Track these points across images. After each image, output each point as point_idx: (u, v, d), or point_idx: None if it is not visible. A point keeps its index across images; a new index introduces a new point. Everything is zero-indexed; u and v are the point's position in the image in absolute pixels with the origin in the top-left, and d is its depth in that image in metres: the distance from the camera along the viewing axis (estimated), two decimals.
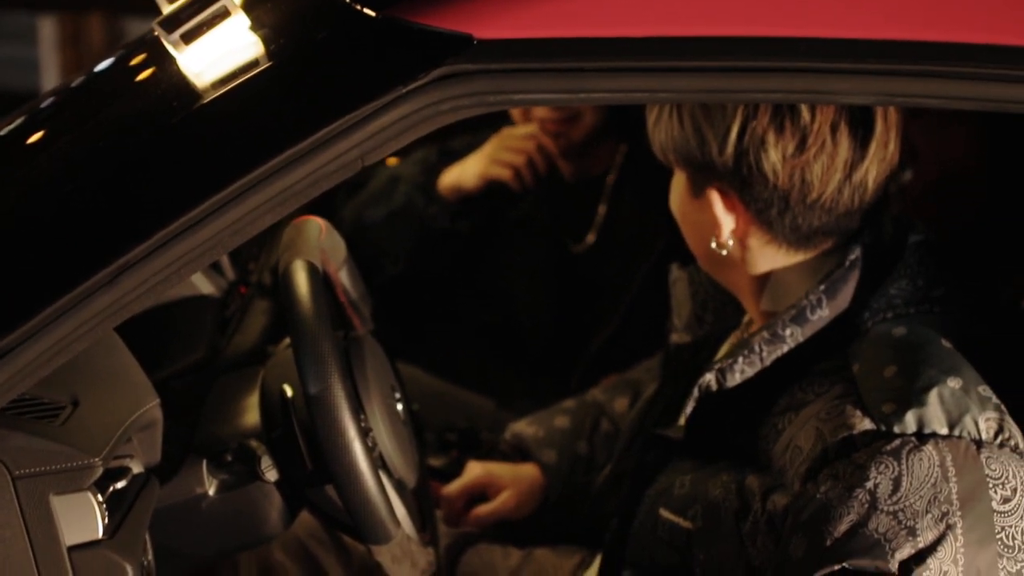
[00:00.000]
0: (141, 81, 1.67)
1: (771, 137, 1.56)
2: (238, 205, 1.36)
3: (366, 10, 1.43)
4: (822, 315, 1.61)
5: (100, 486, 1.42)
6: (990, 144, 2.15)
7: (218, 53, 1.48)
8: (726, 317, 1.89)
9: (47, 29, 5.66)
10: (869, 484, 1.44)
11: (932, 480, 1.44)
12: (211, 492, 1.63)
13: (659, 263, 2.28)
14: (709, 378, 1.64)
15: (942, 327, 1.58)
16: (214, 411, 1.73)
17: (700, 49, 1.36)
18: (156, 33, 1.53)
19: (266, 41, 1.47)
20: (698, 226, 1.68)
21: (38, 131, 1.70)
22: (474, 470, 2.20)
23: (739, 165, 1.58)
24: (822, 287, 1.61)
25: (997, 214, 2.12)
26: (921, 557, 1.42)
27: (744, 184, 1.60)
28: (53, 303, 1.34)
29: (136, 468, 1.52)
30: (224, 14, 1.47)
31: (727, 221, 1.63)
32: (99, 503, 1.41)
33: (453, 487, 2.19)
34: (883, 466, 1.45)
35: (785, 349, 1.61)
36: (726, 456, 1.65)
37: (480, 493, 2.19)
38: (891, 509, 1.43)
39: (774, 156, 1.57)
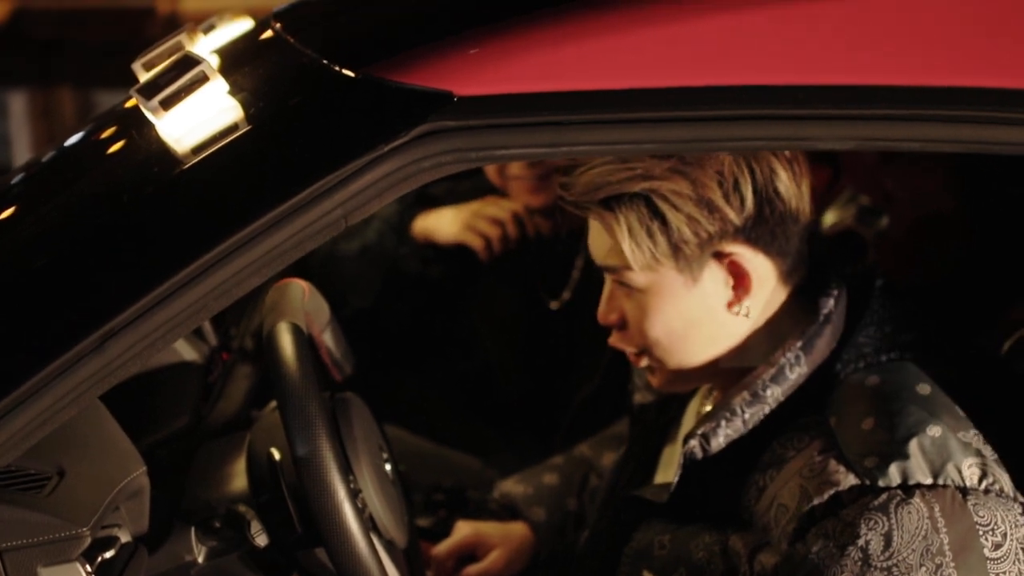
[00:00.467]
0: (120, 149, 1.67)
1: (776, 163, 1.57)
2: (223, 268, 1.35)
3: (345, 71, 1.44)
4: (800, 372, 1.60)
5: (88, 556, 1.41)
6: (968, 187, 2.17)
7: (198, 118, 1.48)
8: None
9: (17, 103, 5.67)
10: (860, 542, 1.44)
11: (923, 533, 1.44)
12: (200, 559, 1.61)
13: None
14: (694, 444, 1.62)
15: (915, 373, 1.58)
16: (201, 477, 1.72)
17: (680, 100, 1.37)
18: (135, 100, 1.54)
19: (246, 105, 1.47)
20: (708, 309, 1.61)
21: (15, 204, 1.70)
22: (463, 530, 2.18)
23: (761, 209, 1.56)
24: (799, 344, 1.60)
25: (980, 257, 2.13)
26: None
27: (765, 226, 1.58)
28: (39, 372, 1.33)
29: (124, 537, 1.51)
30: (203, 79, 1.47)
31: (748, 276, 1.60)
32: (88, 574, 1.39)
33: (442, 547, 2.17)
34: (872, 522, 1.45)
35: (767, 410, 1.60)
36: (705, 515, 1.64)
37: (470, 553, 2.18)
38: (885, 565, 1.43)
39: (785, 179, 1.57)
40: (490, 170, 2.58)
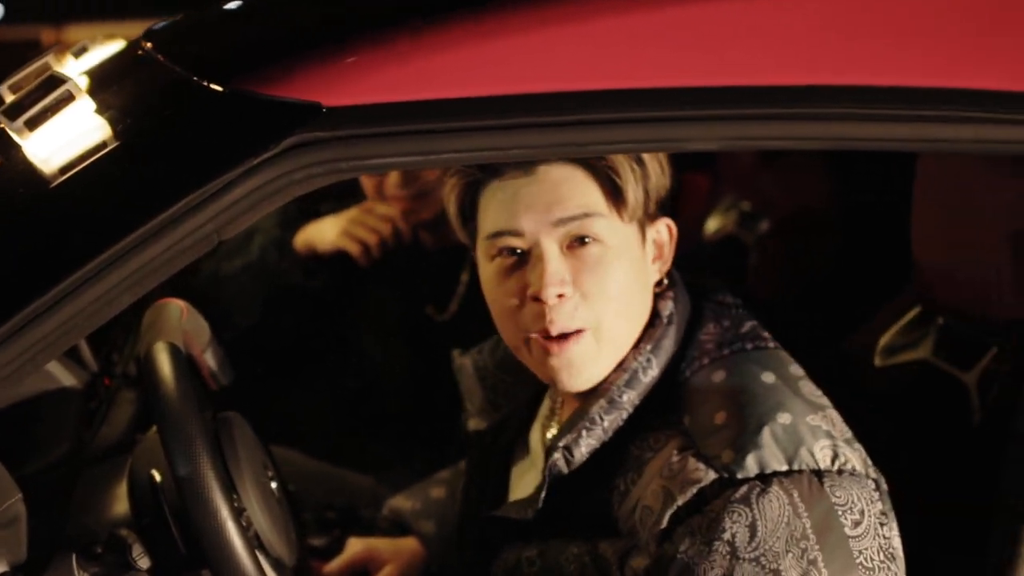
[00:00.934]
0: None
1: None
2: (94, 286, 1.34)
3: (213, 85, 1.44)
4: (652, 375, 1.61)
5: None
6: (839, 189, 2.22)
7: (65, 138, 1.47)
8: (517, 398, 1.89)
9: None
10: (726, 535, 1.46)
11: (785, 519, 1.46)
12: None
13: None
14: (557, 457, 1.61)
15: (758, 362, 1.60)
16: (82, 503, 1.69)
17: (546, 105, 1.38)
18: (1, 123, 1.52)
19: (113, 122, 1.46)
20: (645, 279, 1.62)
21: None
22: (354, 546, 2.17)
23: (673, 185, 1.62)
24: (648, 347, 1.61)
25: (849, 257, 2.18)
26: None
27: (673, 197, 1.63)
28: None
29: (1, 567, 1.47)
30: (68, 99, 1.46)
31: (670, 247, 1.64)
32: None
33: (334, 564, 2.15)
34: (736, 514, 1.47)
35: (624, 415, 1.61)
36: (572, 527, 1.64)
37: (362, 569, 2.16)
38: (752, 556, 1.45)
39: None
40: (369, 191, 2.58)
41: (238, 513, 1.57)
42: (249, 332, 2.67)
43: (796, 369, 1.61)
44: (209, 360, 1.80)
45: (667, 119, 1.42)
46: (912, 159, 1.93)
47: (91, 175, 1.41)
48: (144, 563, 1.57)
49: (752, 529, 1.46)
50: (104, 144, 1.43)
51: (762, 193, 2.40)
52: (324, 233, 2.64)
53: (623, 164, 1.56)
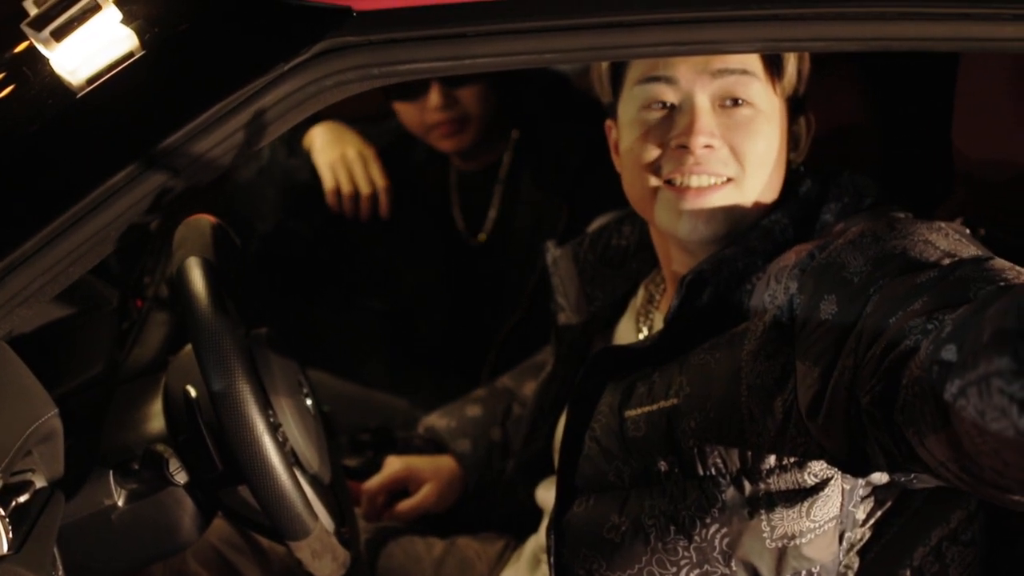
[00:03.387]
0: (13, 85, 1.62)
1: None
2: (124, 196, 1.33)
3: None
4: (789, 236, 1.64)
5: (1, 501, 1.37)
6: (879, 103, 2.18)
7: (92, 48, 1.44)
8: (616, 289, 1.88)
9: None
10: (867, 231, 1.47)
11: (919, 220, 1.48)
12: (120, 503, 1.58)
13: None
14: (691, 279, 1.62)
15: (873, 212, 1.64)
16: (118, 420, 1.68)
17: (581, 7, 1.35)
18: (26, 34, 1.49)
19: (140, 32, 1.43)
20: (782, 154, 1.67)
21: None
22: (394, 465, 2.17)
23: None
24: (787, 215, 1.65)
25: (892, 171, 2.15)
26: (952, 256, 1.40)
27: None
28: None
29: (39, 482, 1.47)
30: (95, 8, 1.43)
31: (807, 138, 1.71)
32: (1, 517, 1.35)
33: (373, 483, 2.15)
34: (871, 221, 1.49)
35: (760, 262, 1.61)
36: (693, 344, 1.62)
37: (401, 488, 2.16)
38: (898, 235, 1.44)
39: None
40: (407, 118, 2.54)
41: (274, 428, 1.56)
42: (271, 238, 2.65)
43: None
44: (241, 276, 1.79)
45: (705, 20, 1.39)
46: (953, 67, 1.89)
47: (119, 85, 1.39)
48: (181, 478, 1.57)
49: (891, 224, 1.46)
50: (131, 54, 1.41)
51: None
52: (316, 151, 2.62)
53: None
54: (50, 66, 1.48)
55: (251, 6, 1.38)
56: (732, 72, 1.60)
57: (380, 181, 2.60)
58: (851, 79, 2.21)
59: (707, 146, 1.60)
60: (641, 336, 1.81)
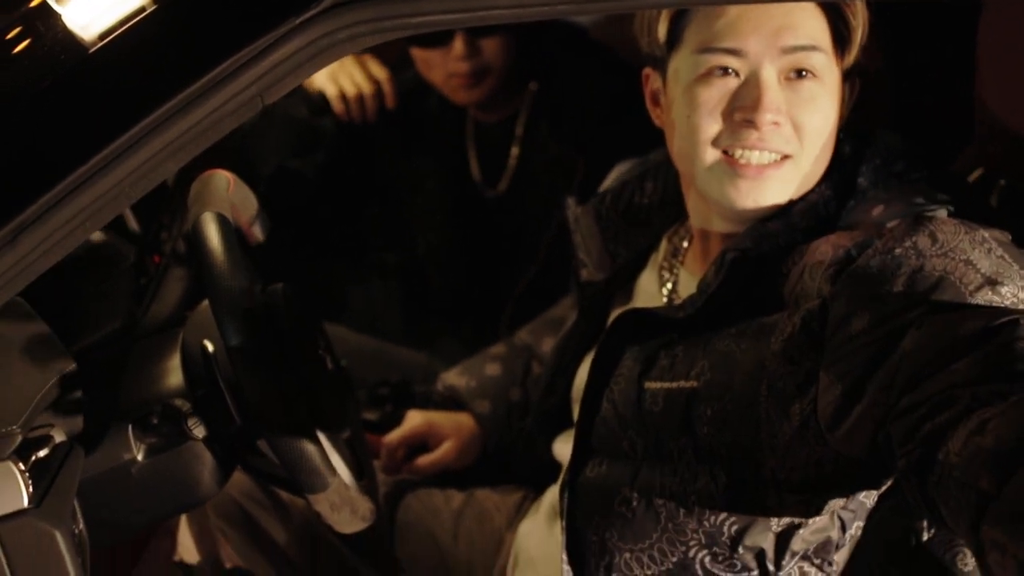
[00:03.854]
0: (26, 42, 1.62)
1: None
2: (137, 152, 1.32)
3: None
4: (831, 209, 1.62)
5: (21, 455, 1.38)
6: (893, 48, 2.16)
7: (102, 4, 1.44)
8: (638, 245, 1.87)
9: None
10: (908, 243, 1.44)
11: (962, 230, 1.44)
12: (140, 457, 1.59)
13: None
14: (731, 256, 1.60)
15: (913, 188, 1.60)
16: (136, 375, 1.69)
17: None
18: None
19: None
20: (836, 121, 1.64)
21: None
22: (414, 419, 2.17)
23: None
24: (830, 186, 1.63)
25: (906, 118, 2.13)
26: (992, 283, 1.40)
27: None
28: None
29: (59, 437, 1.48)
30: None
31: (850, 102, 1.67)
32: (21, 472, 1.36)
33: (393, 436, 2.16)
34: (913, 230, 1.46)
35: (800, 238, 1.60)
36: (722, 324, 1.61)
37: (421, 443, 2.17)
38: (940, 252, 1.42)
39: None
40: (426, 67, 2.53)
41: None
42: (274, 182, 2.65)
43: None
44: (257, 232, 1.79)
45: None
46: (974, 13, 1.87)
47: (130, 40, 1.38)
48: (199, 432, 1.58)
49: (932, 237, 1.44)
50: (143, 8, 1.40)
51: None
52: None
53: (857, 4, 1.58)
54: (62, 21, 1.47)
55: None
56: (802, 48, 1.57)
57: (381, 74, 2.60)
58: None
59: (774, 123, 1.57)
60: (665, 290, 1.81)
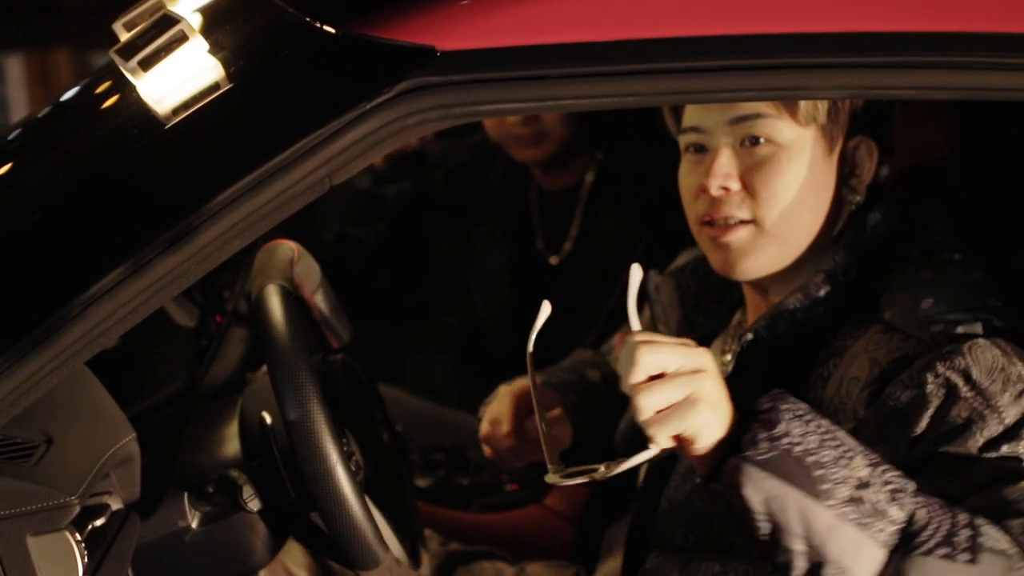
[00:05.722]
0: (102, 111, 1.65)
1: None
2: (205, 231, 1.33)
3: (326, 27, 1.42)
4: (853, 276, 1.63)
5: (78, 525, 1.39)
6: (967, 137, 2.15)
7: (178, 78, 1.46)
8: (718, 316, 1.86)
9: (14, 67, 5.64)
10: (940, 379, 1.44)
11: (999, 365, 1.44)
12: (194, 525, 1.60)
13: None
14: (748, 337, 1.62)
15: (965, 268, 1.60)
16: (193, 442, 1.70)
17: (666, 51, 1.34)
18: (114, 61, 1.51)
19: (226, 63, 1.44)
20: (826, 185, 1.63)
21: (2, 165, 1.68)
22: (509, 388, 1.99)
23: (884, 109, 1.65)
24: (849, 252, 1.63)
25: (973, 200, 2.11)
26: (1011, 434, 1.41)
27: (883, 126, 1.66)
28: (21, 339, 1.31)
29: (115, 504, 1.49)
30: (182, 39, 1.45)
31: (869, 166, 1.65)
32: (77, 542, 1.37)
33: (504, 427, 1.93)
34: (948, 363, 1.45)
35: (821, 310, 1.61)
36: None
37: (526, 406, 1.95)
38: (968, 395, 1.43)
39: None
40: (490, 126, 2.55)
41: (347, 457, 1.57)
42: (335, 247, 2.66)
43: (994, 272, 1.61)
44: (320, 303, 1.80)
45: (793, 66, 1.37)
46: None
47: (204, 118, 1.40)
48: (254, 505, 1.59)
49: (966, 374, 1.44)
50: (217, 86, 1.42)
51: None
52: None
53: None
54: (137, 94, 1.50)
55: (336, 43, 1.39)
56: (747, 118, 1.60)
57: None
58: (939, 111, 2.18)
59: (724, 188, 1.61)
60: (723, 362, 1.79)
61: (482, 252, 2.69)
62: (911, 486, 1.37)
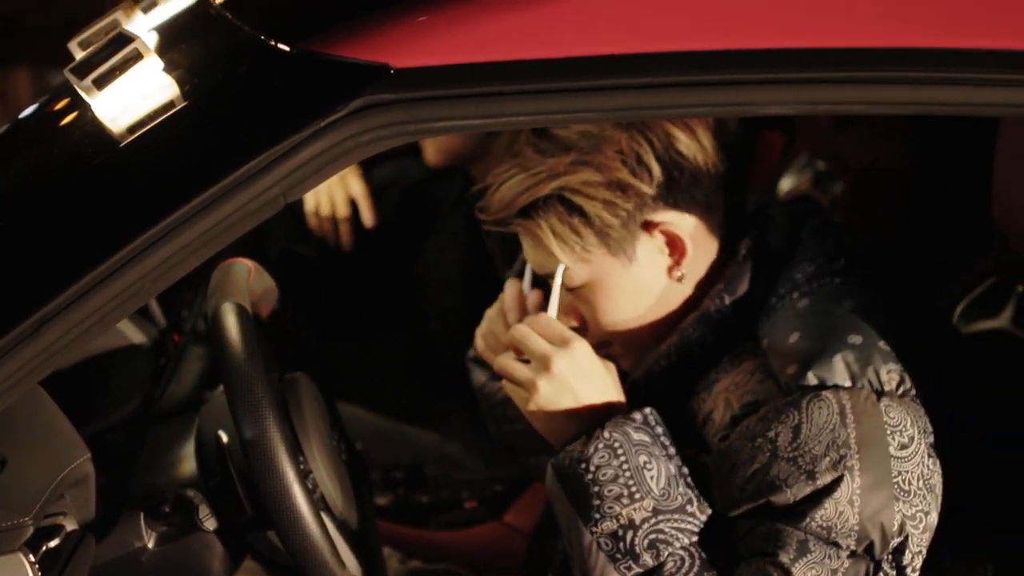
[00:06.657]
0: (57, 129, 1.65)
1: (669, 127, 1.60)
2: (159, 249, 1.33)
3: (280, 45, 1.42)
4: (726, 311, 1.65)
5: (32, 546, 1.39)
6: (921, 152, 2.17)
7: (132, 97, 1.45)
8: None
9: None
10: (771, 434, 1.51)
11: (831, 426, 1.49)
12: (150, 545, 1.59)
13: None
14: (629, 390, 1.67)
15: (842, 290, 1.62)
16: (150, 462, 1.70)
17: (617, 67, 1.35)
18: (69, 80, 1.51)
19: (181, 82, 1.44)
20: (637, 282, 1.65)
21: None
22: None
23: (670, 173, 1.61)
24: (721, 286, 1.65)
25: (926, 214, 2.13)
26: (818, 498, 1.47)
27: (679, 188, 1.62)
28: None
29: (70, 525, 1.49)
30: (136, 57, 1.45)
31: (676, 244, 1.64)
32: (31, 563, 1.37)
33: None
34: (784, 415, 1.51)
35: (697, 349, 1.66)
36: None
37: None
38: (791, 456, 1.49)
39: (684, 138, 1.60)
40: (428, 150, 2.55)
41: (304, 475, 1.57)
42: (280, 264, 2.65)
43: (878, 299, 1.62)
44: (276, 320, 1.80)
45: (738, 82, 1.39)
46: (996, 120, 1.88)
47: (159, 136, 1.40)
48: (211, 524, 1.59)
49: (796, 430, 1.50)
50: (172, 104, 1.42)
51: (839, 154, 2.35)
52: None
53: (544, 227, 1.62)
54: (91, 112, 1.49)
55: (291, 61, 1.39)
56: (548, 276, 1.66)
57: (360, 192, 2.60)
58: (893, 125, 2.20)
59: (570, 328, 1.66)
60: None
61: (435, 267, 2.69)
62: (684, 541, 1.52)
